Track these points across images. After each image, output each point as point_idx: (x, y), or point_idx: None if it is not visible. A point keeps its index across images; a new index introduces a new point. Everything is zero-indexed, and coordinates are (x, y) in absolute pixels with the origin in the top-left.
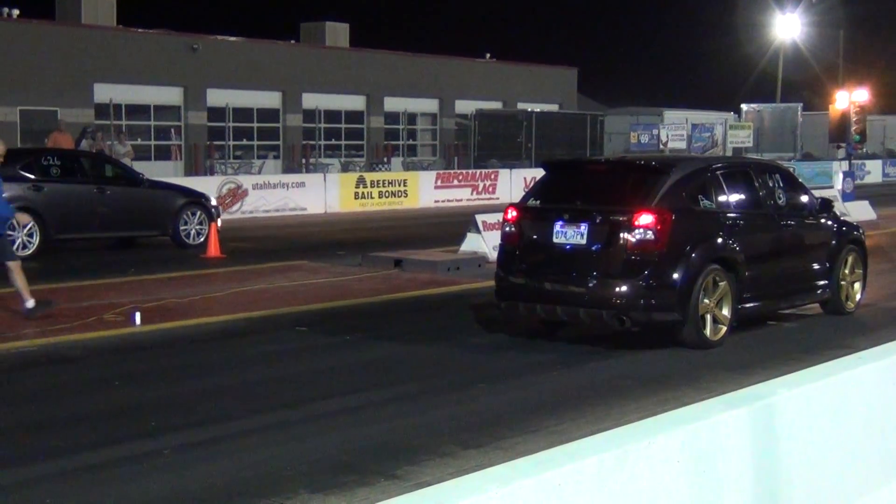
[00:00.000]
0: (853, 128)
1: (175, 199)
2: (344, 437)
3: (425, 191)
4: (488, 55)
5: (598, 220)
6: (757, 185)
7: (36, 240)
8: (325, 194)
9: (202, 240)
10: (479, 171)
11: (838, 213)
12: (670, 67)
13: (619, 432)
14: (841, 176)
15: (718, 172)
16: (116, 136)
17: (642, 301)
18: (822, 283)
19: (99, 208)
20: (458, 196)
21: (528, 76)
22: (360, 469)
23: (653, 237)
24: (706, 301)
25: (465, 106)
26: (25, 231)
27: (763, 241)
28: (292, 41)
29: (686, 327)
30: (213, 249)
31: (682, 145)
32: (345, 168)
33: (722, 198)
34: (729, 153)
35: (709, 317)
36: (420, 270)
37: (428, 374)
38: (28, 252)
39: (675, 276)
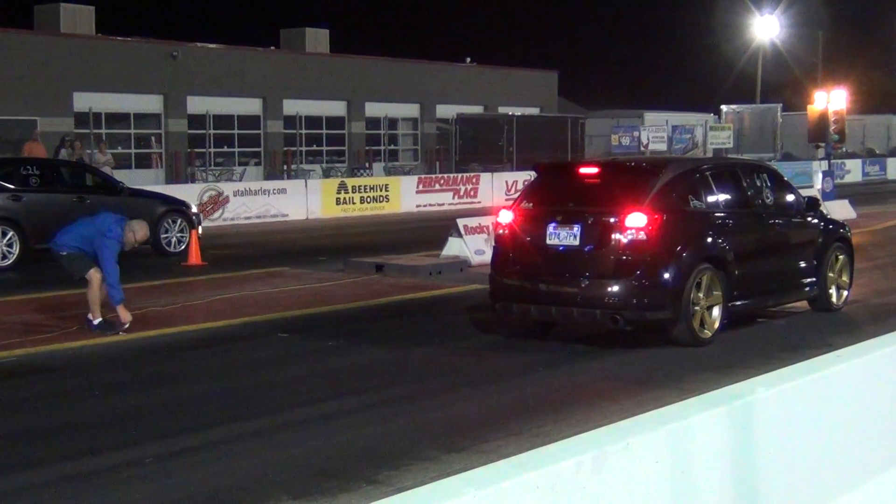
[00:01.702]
0: (832, 127)
1: (155, 207)
2: (326, 443)
3: (407, 195)
4: (469, 59)
5: (590, 222)
6: (745, 184)
7: (16, 250)
8: (306, 200)
9: (183, 247)
10: (460, 175)
11: (824, 212)
12: (650, 69)
13: (598, 433)
14: (821, 175)
15: (707, 173)
16: (96, 145)
17: (635, 300)
18: (809, 280)
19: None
20: (440, 200)
21: (508, 80)
22: (342, 474)
23: (644, 237)
24: (697, 299)
25: (446, 110)
26: (5, 241)
27: (752, 240)
28: (272, 47)
29: (678, 326)
30: (194, 257)
31: (663, 147)
32: (326, 174)
33: (711, 198)
34: (709, 154)
35: (700, 315)
36: (402, 275)
37: (410, 378)
38: (7, 262)
39: (667, 275)
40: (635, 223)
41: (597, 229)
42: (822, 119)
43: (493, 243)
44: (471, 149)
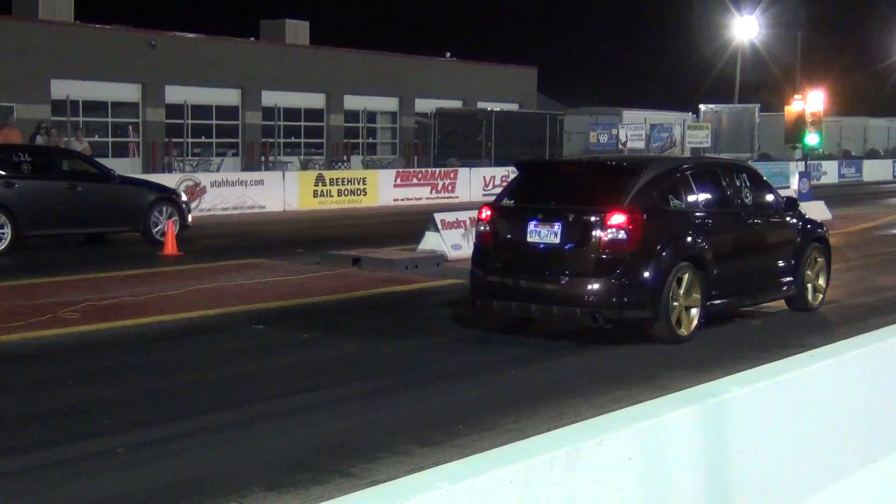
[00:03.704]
0: (808, 129)
1: (146, 195)
2: (300, 436)
3: (384, 189)
4: (448, 54)
5: (571, 220)
6: (724, 184)
7: (7, 236)
8: (283, 192)
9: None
10: (438, 169)
11: (802, 212)
12: (629, 67)
13: (572, 429)
14: (797, 176)
15: (688, 172)
16: (73, 133)
17: (614, 299)
18: (787, 279)
19: (69, 204)
20: (418, 195)
21: (488, 75)
22: (316, 467)
23: (625, 236)
24: (676, 298)
25: (425, 105)
26: None
27: (731, 240)
28: (252, 38)
29: (657, 324)
30: (171, 247)
31: (641, 145)
32: (304, 166)
33: (691, 197)
34: (687, 153)
35: (679, 313)
36: (378, 269)
37: (385, 371)
38: (0, 249)
39: (647, 274)
40: (615, 222)
41: (577, 228)
42: (799, 120)
43: (474, 240)
44: (449, 143)
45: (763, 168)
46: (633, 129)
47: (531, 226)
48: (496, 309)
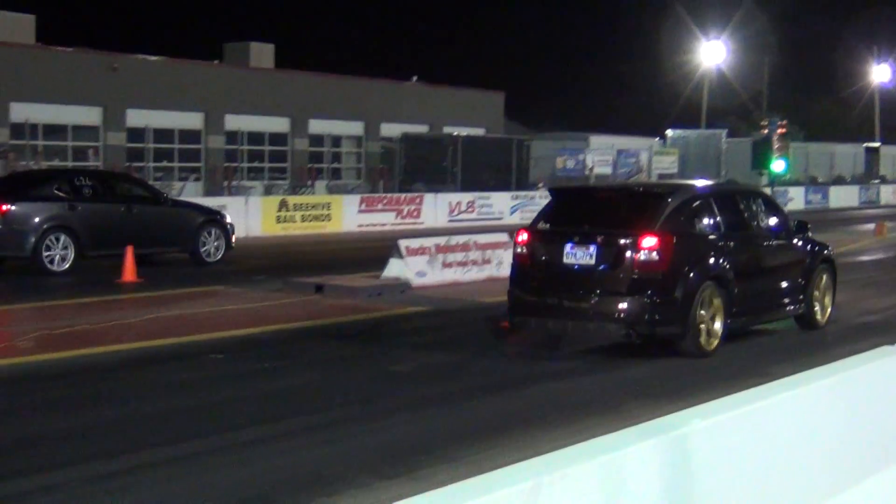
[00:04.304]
0: (775, 155)
1: (195, 217)
2: (257, 468)
3: (349, 215)
4: (415, 78)
5: (605, 242)
6: (742, 208)
7: (71, 256)
8: (246, 217)
9: (220, 257)
10: (403, 195)
11: (811, 235)
12: (597, 93)
13: (534, 463)
14: None
15: (710, 198)
16: (32, 157)
17: (647, 316)
18: (798, 298)
19: (126, 226)
20: (383, 220)
21: (454, 100)
22: (274, 500)
23: (657, 257)
24: (702, 315)
25: (390, 129)
26: (61, 247)
27: (749, 260)
28: (216, 61)
29: (685, 339)
30: (129, 274)
31: (608, 171)
32: (267, 191)
33: (714, 220)
34: (654, 179)
35: (704, 329)
36: (341, 296)
37: (347, 402)
38: (63, 268)
39: (677, 292)
40: (648, 244)
41: (611, 250)
42: (766, 146)
43: (512, 261)
44: (415, 169)
45: None
46: (601, 155)
47: (567, 248)
48: (532, 325)
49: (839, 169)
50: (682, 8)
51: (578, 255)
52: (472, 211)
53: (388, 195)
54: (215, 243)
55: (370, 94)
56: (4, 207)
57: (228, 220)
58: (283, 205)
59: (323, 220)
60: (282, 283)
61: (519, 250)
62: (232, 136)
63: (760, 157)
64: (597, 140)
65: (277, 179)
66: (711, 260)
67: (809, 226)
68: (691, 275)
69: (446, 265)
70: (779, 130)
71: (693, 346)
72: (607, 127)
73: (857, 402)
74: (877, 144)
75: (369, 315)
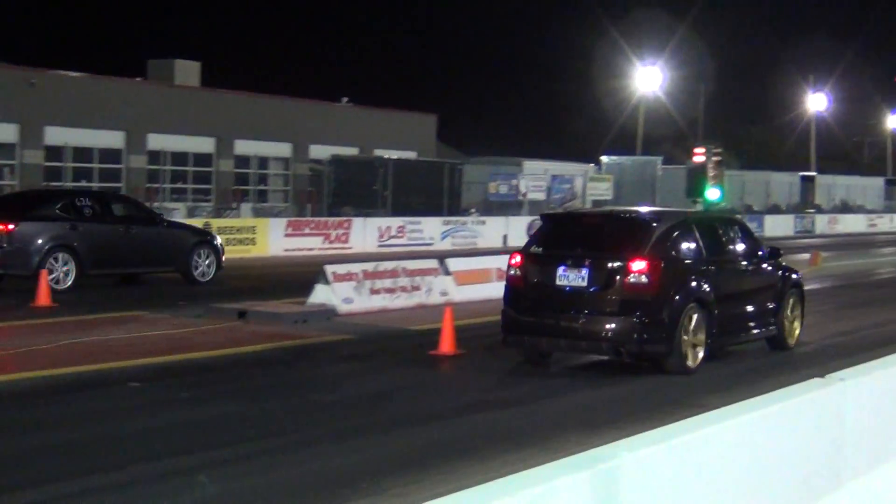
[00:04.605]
0: (709, 183)
1: (188, 238)
2: (176, 501)
3: (275, 238)
4: (345, 99)
5: (597, 266)
6: (720, 234)
7: (72, 275)
8: None
9: (211, 277)
10: (331, 219)
11: (782, 261)
12: (531, 117)
13: (458, 497)
14: None
15: (692, 224)
16: None
17: (636, 335)
18: (771, 320)
19: (124, 245)
20: (310, 245)
21: (385, 122)
22: None
23: (645, 280)
24: (687, 335)
25: (319, 151)
26: (64, 267)
27: (728, 284)
28: (139, 79)
29: (671, 358)
30: (44, 298)
31: (542, 197)
32: (191, 213)
33: (696, 246)
34: (588, 206)
35: (689, 348)
36: (265, 323)
37: (270, 432)
38: (65, 286)
39: (663, 314)
40: (637, 268)
41: (603, 272)
42: (701, 174)
43: (506, 282)
44: (344, 192)
45: None
46: (534, 180)
47: (560, 270)
48: (526, 344)
49: (775, 198)
50: (619, 33)
51: (571, 278)
52: (403, 236)
53: (316, 219)
54: (206, 263)
55: (299, 114)
56: (10, 227)
57: (218, 241)
58: (206, 227)
59: (248, 244)
60: (203, 310)
61: (512, 272)
62: (155, 156)
63: (695, 184)
64: (531, 165)
65: (201, 201)
66: (694, 283)
67: (781, 252)
68: (676, 297)
69: (374, 292)
70: (714, 158)
71: (678, 365)
72: (541, 152)
73: (788, 433)
74: (813, 174)
75: (293, 342)
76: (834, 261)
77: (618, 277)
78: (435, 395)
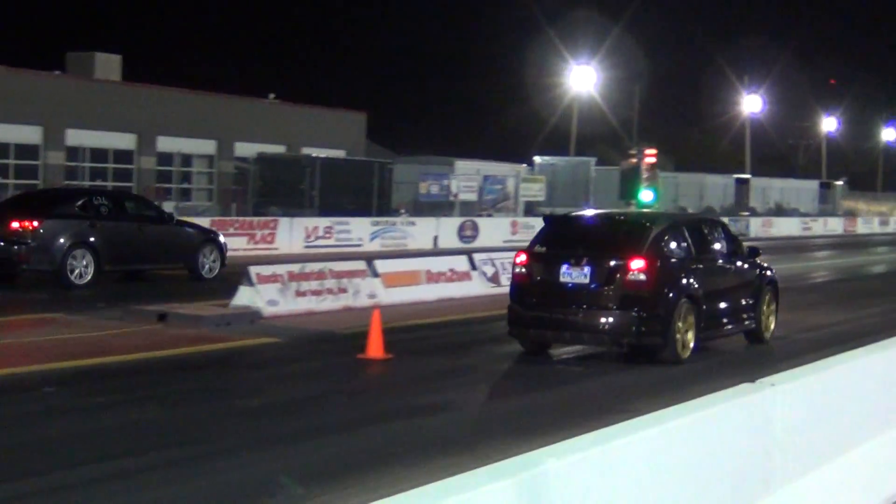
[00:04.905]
0: (643, 184)
1: (196, 236)
2: None
3: None
4: (272, 95)
5: (598, 264)
6: (706, 235)
7: (91, 271)
8: None
9: (215, 274)
10: (257, 219)
11: (759, 261)
12: (463, 116)
13: None
14: None
15: (683, 226)
16: None
17: (634, 328)
18: (750, 315)
19: (138, 243)
20: (234, 245)
21: (313, 119)
22: None
23: (643, 278)
24: (679, 328)
25: (245, 148)
26: (84, 263)
27: (714, 281)
28: (57, 72)
29: (666, 349)
30: None
31: (473, 197)
32: None
33: (686, 246)
34: (521, 206)
35: (681, 340)
36: (186, 326)
37: (189, 439)
38: (84, 281)
39: (659, 308)
40: (636, 266)
41: (604, 270)
42: (634, 175)
43: (511, 279)
44: (270, 191)
45: None
46: (466, 181)
47: (564, 268)
48: (531, 336)
49: (709, 200)
50: (553, 32)
51: (574, 275)
52: (330, 237)
53: (241, 218)
54: (212, 260)
55: (224, 111)
56: (35, 224)
57: (222, 239)
58: None
59: None
60: (122, 312)
61: (518, 270)
62: (73, 152)
63: (629, 186)
64: (462, 165)
65: None
66: (685, 280)
67: (760, 251)
68: (670, 293)
69: (300, 294)
70: (648, 160)
71: (672, 356)
72: (473, 151)
73: (718, 439)
74: (747, 176)
75: (216, 346)
76: (769, 264)
77: (618, 275)
78: (362, 400)
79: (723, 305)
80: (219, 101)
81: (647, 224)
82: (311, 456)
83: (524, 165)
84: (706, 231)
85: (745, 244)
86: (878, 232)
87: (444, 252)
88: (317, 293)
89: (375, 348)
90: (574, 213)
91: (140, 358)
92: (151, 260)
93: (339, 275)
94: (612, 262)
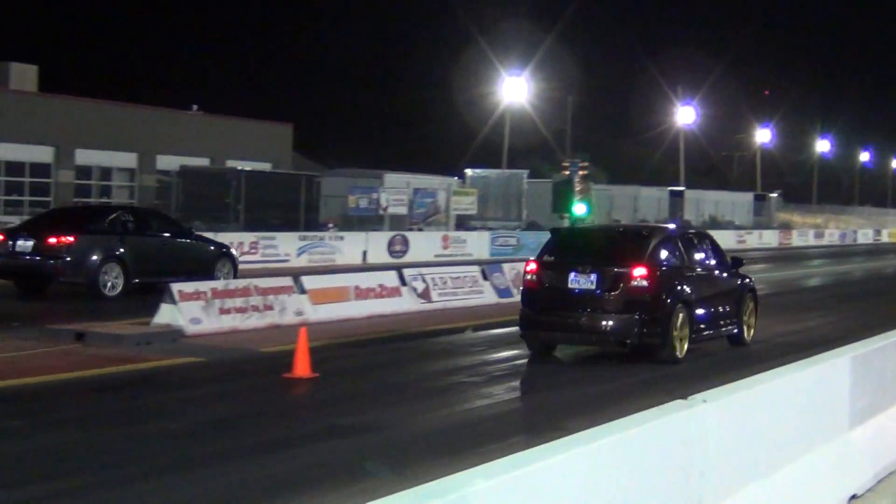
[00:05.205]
0: (576, 197)
1: (212, 250)
2: None
3: None
4: (196, 107)
5: (604, 272)
6: (697, 246)
7: (121, 283)
8: None
9: None
10: None
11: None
12: (393, 128)
13: None
14: None
15: (677, 238)
16: None
17: (636, 330)
18: (733, 321)
19: (162, 256)
20: None
21: (238, 131)
22: None
23: (645, 284)
24: (676, 330)
25: (167, 161)
26: (114, 276)
27: (704, 288)
28: None
29: (665, 349)
30: None
31: (403, 211)
32: None
33: (680, 256)
34: (452, 220)
35: (678, 341)
36: (105, 345)
37: (107, 463)
38: (115, 293)
39: (659, 312)
40: (639, 274)
41: (609, 277)
42: (567, 188)
43: (523, 286)
44: (194, 205)
45: (530, 238)
46: (396, 194)
47: (572, 276)
48: (541, 338)
49: (643, 213)
50: (485, 42)
51: (581, 282)
52: (256, 252)
53: None
54: (226, 272)
55: (145, 123)
56: (70, 239)
57: (235, 252)
58: None
59: None
60: (37, 331)
61: (529, 278)
62: None
63: (561, 199)
64: (392, 178)
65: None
66: (680, 287)
67: (743, 261)
68: (668, 299)
69: (224, 311)
70: (580, 172)
71: (670, 355)
72: (404, 164)
73: (648, 458)
74: (681, 188)
75: (136, 366)
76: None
77: (621, 281)
78: (287, 420)
79: (712, 310)
80: (140, 113)
81: (647, 235)
82: (232, 478)
83: (455, 178)
84: (696, 242)
85: (729, 256)
86: (814, 244)
87: (374, 267)
88: (242, 311)
89: (302, 367)
90: (578, 226)
91: (57, 379)
92: (173, 272)
93: (264, 291)
94: (617, 270)
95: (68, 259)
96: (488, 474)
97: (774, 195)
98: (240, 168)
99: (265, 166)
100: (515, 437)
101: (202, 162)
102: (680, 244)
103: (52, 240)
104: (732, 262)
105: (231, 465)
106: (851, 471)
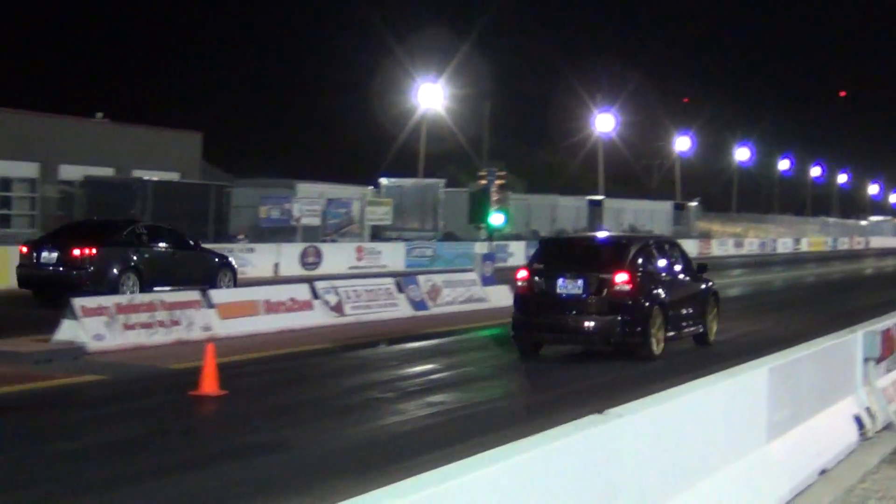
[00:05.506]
0: (493, 207)
1: (215, 260)
2: None
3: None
4: (100, 115)
5: (590, 277)
6: (668, 253)
7: (137, 291)
8: None
9: None
10: None
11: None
12: (305, 136)
13: None
14: (480, 258)
15: (652, 245)
16: None
17: (618, 329)
18: (700, 321)
19: (172, 266)
20: None
21: (145, 140)
22: None
23: (627, 288)
24: (654, 330)
25: (71, 171)
26: (132, 285)
27: (675, 292)
28: None
29: (644, 347)
30: None
31: (317, 221)
32: None
33: (655, 262)
34: (367, 231)
35: (655, 340)
36: (2, 363)
37: (5, 485)
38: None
39: (639, 313)
40: (621, 279)
41: (594, 282)
42: (484, 198)
43: (514, 291)
44: (99, 216)
45: (447, 249)
46: (309, 204)
47: (560, 281)
48: (533, 339)
49: (561, 222)
50: (400, 49)
51: (569, 287)
52: None
53: None
54: (227, 281)
55: (47, 131)
56: (93, 251)
57: (234, 262)
58: None
59: None
60: None
61: (520, 283)
62: None
63: (478, 209)
64: (304, 188)
65: None
66: (656, 291)
67: (707, 267)
68: (647, 302)
69: (129, 327)
70: (497, 181)
71: (648, 352)
72: (317, 173)
73: (564, 474)
74: (600, 197)
75: (35, 385)
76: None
77: (605, 287)
78: (193, 440)
79: (682, 312)
80: (41, 121)
81: (626, 244)
82: (135, 501)
83: (370, 188)
84: (668, 250)
85: (694, 262)
86: (734, 254)
87: (286, 280)
88: (147, 326)
89: (209, 384)
90: (565, 236)
91: None
92: (182, 281)
93: (171, 306)
94: (601, 276)
95: (91, 269)
96: (400, 493)
97: (694, 204)
98: (146, 178)
99: (173, 176)
100: (429, 455)
101: (107, 172)
102: (655, 251)
103: (77, 251)
104: (697, 267)
105: (130, 489)
106: (769, 484)
